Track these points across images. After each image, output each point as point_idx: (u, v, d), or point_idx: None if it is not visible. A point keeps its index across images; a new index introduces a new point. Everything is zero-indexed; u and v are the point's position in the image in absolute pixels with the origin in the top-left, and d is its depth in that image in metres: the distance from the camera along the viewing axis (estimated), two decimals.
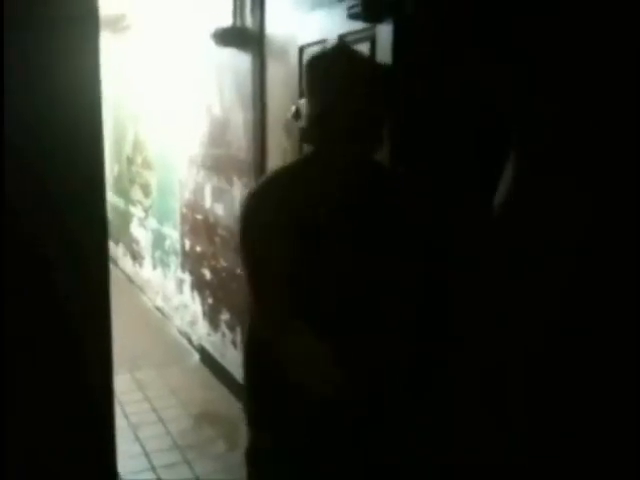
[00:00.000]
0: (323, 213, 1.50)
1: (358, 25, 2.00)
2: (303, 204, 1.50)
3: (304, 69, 1.58)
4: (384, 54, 1.83)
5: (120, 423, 3.17)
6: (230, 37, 3.16)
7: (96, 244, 1.56)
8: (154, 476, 2.78)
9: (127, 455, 2.91)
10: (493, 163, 1.82)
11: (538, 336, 1.73)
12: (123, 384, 3.64)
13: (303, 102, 1.57)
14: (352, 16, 1.93)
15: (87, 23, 1.31)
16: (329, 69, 1.49)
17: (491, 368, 1.78)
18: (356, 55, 1.58)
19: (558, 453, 1.71)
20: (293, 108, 1.62)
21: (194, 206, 4.01)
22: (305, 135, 1.56)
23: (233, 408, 3.22)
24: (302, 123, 1.54)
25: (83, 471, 1.66)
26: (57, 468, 1.60)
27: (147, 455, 2.93)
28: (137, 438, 3.08)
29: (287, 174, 1.62)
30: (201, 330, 4.06)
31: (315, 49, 2.08)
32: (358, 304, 1.55)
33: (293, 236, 1.48)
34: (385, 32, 1.84)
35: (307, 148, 1.63)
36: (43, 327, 1.50)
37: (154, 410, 3.37)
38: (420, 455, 1.72)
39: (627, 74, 1.51)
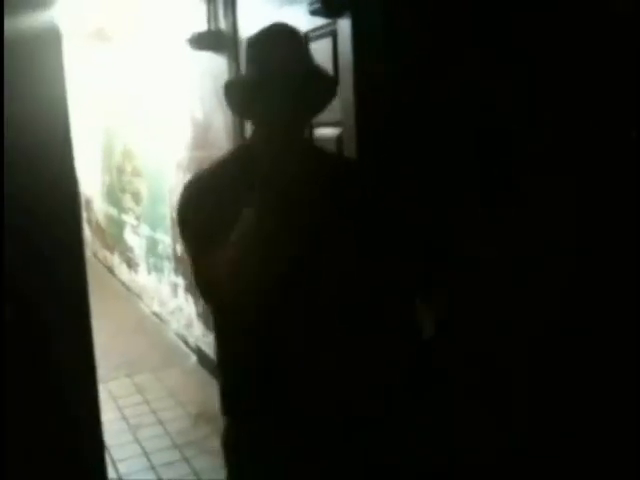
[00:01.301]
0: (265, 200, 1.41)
1: (321, 21, 2.05)
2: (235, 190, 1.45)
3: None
4: (344, 47, 1.89)
5: (119, 426, 3.25)
6: (205, 41, 3.22)
7: (73, 259, 1.59)
8: (154, 475, 2.84)
9: (127, 456, 2.97)
10: (462, 160, 1.86)
11: (538, 335, 1.75)
12: (122, 388, 3.71)
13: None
14: (313, 12, 1.98)
15: (48, 38, 1.35)
16: (258, 42, 1.53)
17: (491, 368, 1.80)
18: (287, 31, 1.57)
19: (558, 453, 1.74)
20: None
21: None
22: (234, 107, 1.56)
23: None
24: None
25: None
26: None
27: (147, 455, 2.99)
28: (136, 439, 3.13)
29: (224, 161, 1.61)
30: (196, 332, 4.11)
31: None
32: (356, 304, 1.53)
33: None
34: (344, 26, 1.90)
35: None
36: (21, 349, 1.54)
37: (153, 412, 3.43)
38: (420, 455, 1.72)
39: (626, 72, 1.54)
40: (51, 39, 1.35)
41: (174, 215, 4.25)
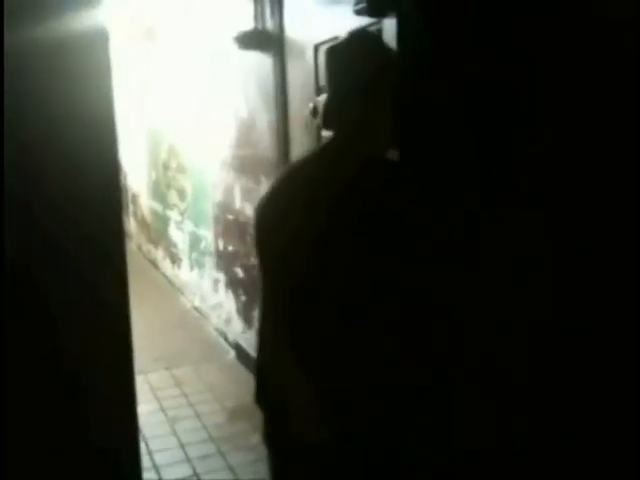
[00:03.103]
0: (342, 219, 1.44)
1: (366, 21, 2.05)
2: (319, 209, 1.44)
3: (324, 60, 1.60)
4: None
5: (158, 418, 3.31)
6: (252, 40, 3.25)
7: (114, 256, 1.62)
8: (189, 467, 2.88)
9: (163, 447, 3.03)
10: (496, 162, 1.84)
11: (539, 336, 1.74)
12: (161, 381, 3.77)
13: (321, 99, 1.60)
14: (358, 12, 1.98)
15: (95, 37, 1.38)
16: (341, 55, 1.52)
17: (491, 368, 1.79)
18: (370, 42, 1.57)
19: (558, 453, 1.72)
20: (311, 105, 1.65)
21: (225, 207, 4.11)
22: (322, 121, 1.57)
23: None
24: (320, 116, 1.56)
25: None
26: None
27: (183, 447, 3.03)
28: (174, 432, 3.18)
29: (300, 173, 1.63)
30: (236, 327, 4.16)
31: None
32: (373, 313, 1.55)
33: (311, 245, 1.44)
34: (389, 26, 1.89)
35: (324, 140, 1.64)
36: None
37: (190, 405, 3.48)
38: (420, 456, 1.70)
39: (626, 75, 1.52)
40: (98, 38, 1.38)
41: (216, 212, 4.31)
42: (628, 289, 1.56)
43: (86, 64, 1.38)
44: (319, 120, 1.60)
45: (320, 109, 1.57)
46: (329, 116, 1.55)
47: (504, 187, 1.85)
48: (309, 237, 1.46)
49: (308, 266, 1.46)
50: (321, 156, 1.60)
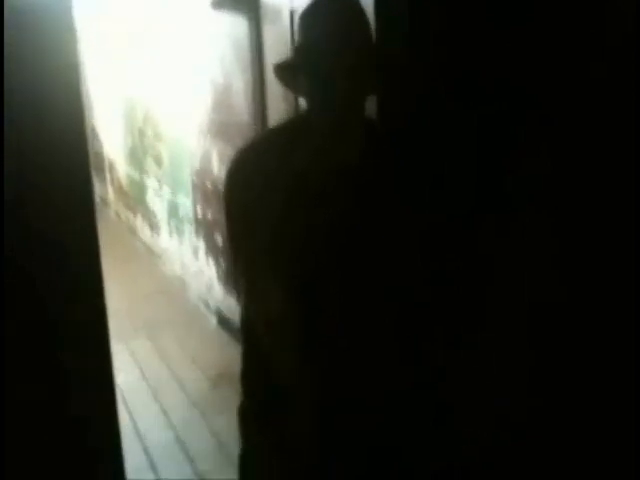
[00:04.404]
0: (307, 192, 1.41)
1: None
2: (287, 179, 1.42)
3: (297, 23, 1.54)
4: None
5: (139, 385, 3.33)
6: (227, 2, 3.18)
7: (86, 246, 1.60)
8: (173, 433, 2.91)
9: (146, 414, 3.05)
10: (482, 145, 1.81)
11: (537, 337, 1.75)
12: (143, 350, 3.79)
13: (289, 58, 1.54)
14: None
15: (61, 21, 1.34)
16: (314, 14, 1.47)
17: (490, 369, 1.80)
18: (341, 2, 1.53)
19: (557, 453, 1.75)
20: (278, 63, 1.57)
21: (204, 174, 4.08)
22: (285, 79, 1.52)
23: None
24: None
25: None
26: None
27: (165, 413, 3.06)
28: (156, 399, 3.21)
29: (273, 139, 1.60)
30: (217, 294, 4.16)
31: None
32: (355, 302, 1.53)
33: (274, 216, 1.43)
34: (366, 4, 1.84)
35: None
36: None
37: (173, 372, 3.50)
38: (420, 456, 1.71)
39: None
40: (61, 9, 1.34)
41: (194, 179, 4.27)
42: (628, 289, 1.57)
43: (49, 34, 1.34)
44: (285, 79, 1.53)
45: (289, 67, 1.51)
46: (298, 80, 1.49)
47: (491, 174, 1.84)
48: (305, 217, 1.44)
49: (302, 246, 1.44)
50: (306, 131, 1.54)
